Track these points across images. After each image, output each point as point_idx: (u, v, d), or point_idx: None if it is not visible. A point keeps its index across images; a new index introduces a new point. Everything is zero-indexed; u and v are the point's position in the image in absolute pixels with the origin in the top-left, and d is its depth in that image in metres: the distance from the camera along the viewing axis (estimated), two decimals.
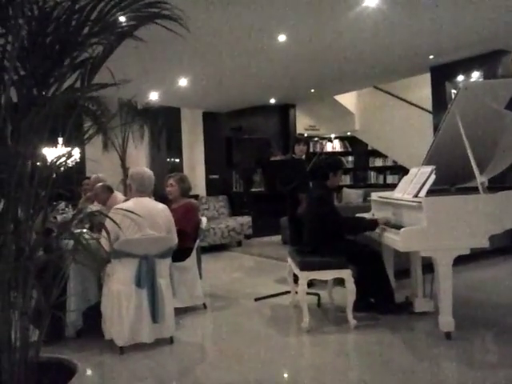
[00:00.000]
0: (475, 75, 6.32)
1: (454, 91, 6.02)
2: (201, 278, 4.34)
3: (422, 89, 7.93)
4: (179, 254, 3.74)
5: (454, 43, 5.71)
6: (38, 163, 1.90)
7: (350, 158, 11.35)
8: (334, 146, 11.45)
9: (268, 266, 6.05)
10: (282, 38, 5.08)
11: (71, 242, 1.98)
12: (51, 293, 1.83)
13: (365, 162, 11.02)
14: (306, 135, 10.14)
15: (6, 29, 1.70)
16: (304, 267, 3.51)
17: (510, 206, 3.24)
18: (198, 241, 4.24)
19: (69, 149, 1.94)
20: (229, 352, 3.18)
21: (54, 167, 1.88)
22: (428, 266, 3.37)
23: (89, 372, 2.92)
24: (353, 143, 11.20)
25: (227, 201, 8.51)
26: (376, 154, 10.51)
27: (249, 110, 9.27)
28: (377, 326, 3.51)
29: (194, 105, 8.84)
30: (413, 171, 3.59)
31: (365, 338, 3.29)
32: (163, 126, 8.33)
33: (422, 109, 8.27)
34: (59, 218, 4.06)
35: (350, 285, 3.45)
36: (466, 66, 6.41)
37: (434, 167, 3.24)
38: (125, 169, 7.76)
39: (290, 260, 3.92)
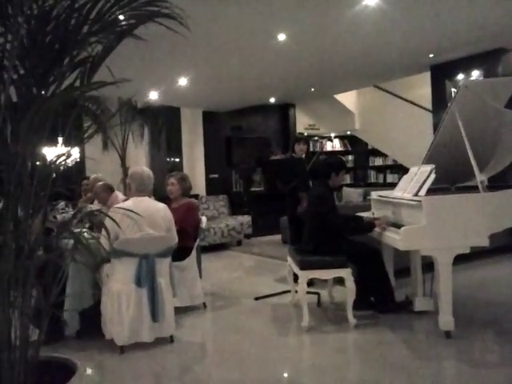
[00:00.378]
0: (475, 74, 6.32)
1: (454, 90, 6.02)
2: (201, 277, 4.34)
3: (422, 87, 7.91)
4: (179, 254, 3.74)
5: (454, 42, 5.70)
6: (38, 162, 1.89)
7: (350, 157, 11.32)
8: (333, 145, 11.43)
9: (268, 266, 6.05)
10: (281, 37, 5.07)
11: (71, 242, 1.98)
12: (51, 292, 1.83)
13: (365, 161, 11.00)
14: (305, 134, 10.08)
15: (6, 27, 1.70)
16: (304, 266, 3.51)
17: (510, 204, 3.24)
18: (198, 240, 4.24)
19: (68, 148, 1.94)
20: (229, 351, 3.19)
21: (54, 166, 1.88)
22: (428, 265, 3.37)
23: (89, 371, 2.92)
24: (353, 142, 11.18)
25: (227, 200, 8.50)
26: (376, 153, 10.49)
27: (249, 109, 9.27)
28: (377, 324, 3.51)
29: (193, 104, 8.83)
30: (413, 170, 3.59)
31: (365, 337, 3.29)
32: (163, 125, 8.33)
33: (422, 108, 8.25)
34: (59, 217, 4.05)
35: (350, 284, 3.45)
36: (466, 64, 6.40)
37: (433, 166, 3.24)
38: (125, 168, 7.75)
39: (289, 259, 3.92)
